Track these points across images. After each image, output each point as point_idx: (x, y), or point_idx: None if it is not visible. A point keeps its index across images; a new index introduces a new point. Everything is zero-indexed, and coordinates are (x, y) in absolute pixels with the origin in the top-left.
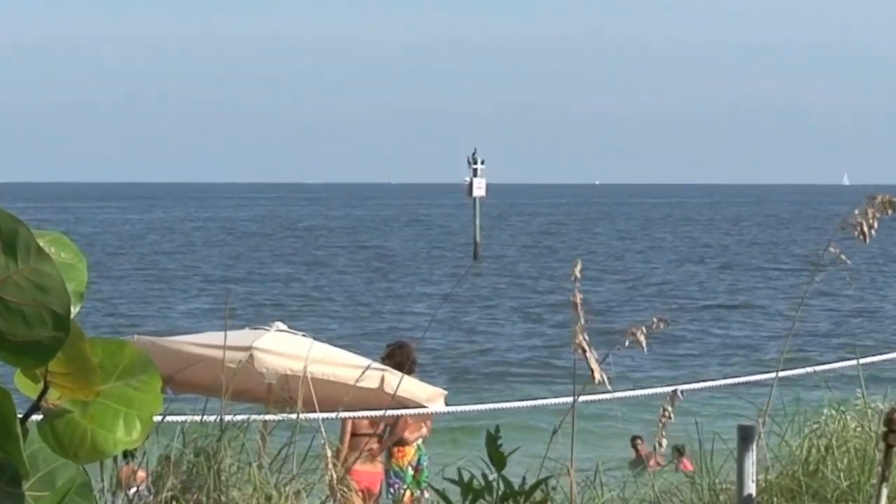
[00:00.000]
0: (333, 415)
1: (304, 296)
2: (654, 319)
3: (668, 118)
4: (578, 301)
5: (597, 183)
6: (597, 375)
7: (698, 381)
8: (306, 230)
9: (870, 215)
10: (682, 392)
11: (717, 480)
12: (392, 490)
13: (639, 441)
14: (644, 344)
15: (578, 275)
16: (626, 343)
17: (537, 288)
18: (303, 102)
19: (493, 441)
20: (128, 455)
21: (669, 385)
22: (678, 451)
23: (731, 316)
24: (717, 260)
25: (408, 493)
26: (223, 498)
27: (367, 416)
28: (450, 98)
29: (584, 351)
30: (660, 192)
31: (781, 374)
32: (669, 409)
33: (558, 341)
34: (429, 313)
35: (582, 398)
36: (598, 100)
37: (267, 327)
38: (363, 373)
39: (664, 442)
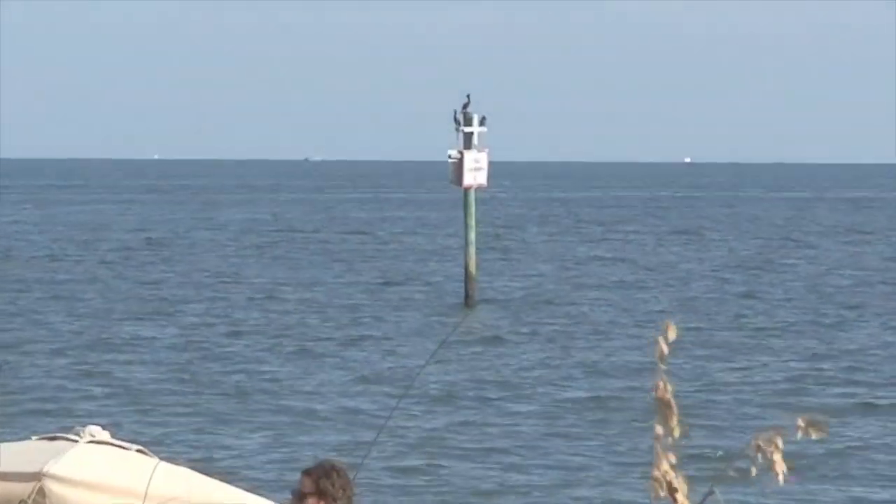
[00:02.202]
0: None
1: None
2: (800, 423)
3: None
4: (667, 397)
5: (688, 161)
6: None
7: None
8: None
9: None
10: None
11: None
12: None
13: None
14: (782, 474)
15: (665, 348)
16: (753, 470)
17: (591, 362)
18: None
19: None
20: None
21: None
22: None
23: None
24: None
25: None
26: None
27: None
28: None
29: (672, 493)
30: (780, 175)
31: None
32: None
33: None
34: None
35: None
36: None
37: (73, 436)
38: None
39: None
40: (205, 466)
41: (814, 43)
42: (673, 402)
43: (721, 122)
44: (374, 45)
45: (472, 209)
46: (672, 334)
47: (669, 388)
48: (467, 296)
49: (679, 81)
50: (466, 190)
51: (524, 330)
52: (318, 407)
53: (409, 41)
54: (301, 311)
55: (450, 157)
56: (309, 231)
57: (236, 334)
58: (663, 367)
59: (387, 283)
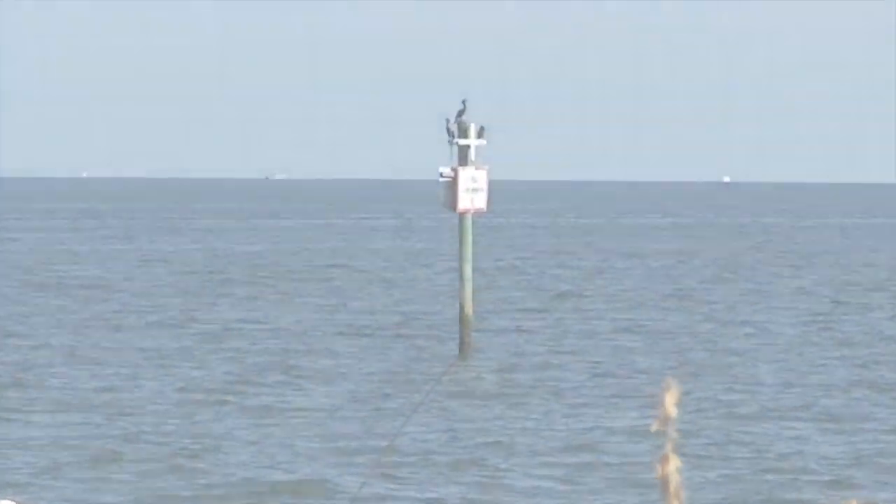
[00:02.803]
0: None
1: None
2: None
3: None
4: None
5: (727, 181)
6: None
7: None
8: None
9: None
10: None
11: None
12: None
13: None
14: None
15: (671, 411)
16: None
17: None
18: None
19: None
20: None
21: None
22: None
23: None
24: None
25: None
26: None
27: None
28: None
29: None
30: (839, 197)
31: None
32: None
33: None
34: None
35: None
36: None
37: None
38: None
39: None
40: None
41: (867, 59)
42: (677, 480)
43: (762, 139)
44: (338, 47)
45: (469, 238)
46: (675, 395)
47: (676, 462)
48: (462, 342)
49: (715, 91)
50: (462, 215)
51: (524, 383)
52: (281, 478)
53: (398, 41)
54: (260, 359)
55: (441, 175)
56: (265, 264)
57: (184, 389)
58: (671, 433)
59: (366, 331)
